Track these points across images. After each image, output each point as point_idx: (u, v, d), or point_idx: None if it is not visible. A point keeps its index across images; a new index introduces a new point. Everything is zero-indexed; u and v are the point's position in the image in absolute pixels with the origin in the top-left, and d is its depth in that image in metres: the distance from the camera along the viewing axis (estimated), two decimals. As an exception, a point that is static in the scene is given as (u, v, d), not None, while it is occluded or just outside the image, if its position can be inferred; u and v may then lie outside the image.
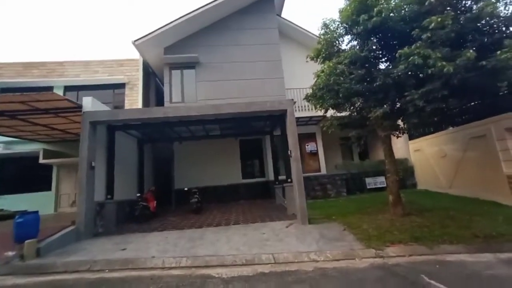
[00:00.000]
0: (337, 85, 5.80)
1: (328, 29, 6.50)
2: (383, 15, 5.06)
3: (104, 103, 8.20)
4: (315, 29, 9.63)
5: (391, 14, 5.29)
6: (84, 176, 6.07)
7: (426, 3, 4.69)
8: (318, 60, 6.79)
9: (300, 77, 10.90)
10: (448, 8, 4.64)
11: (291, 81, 11.27)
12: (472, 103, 7.49)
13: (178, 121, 7.57)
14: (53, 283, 3.76)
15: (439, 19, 4.30)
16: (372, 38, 5.63)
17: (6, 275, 4.05)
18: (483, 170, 7.18)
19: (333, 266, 3.82)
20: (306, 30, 12.30)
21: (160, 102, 11.87)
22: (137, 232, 6.29)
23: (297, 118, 7.01)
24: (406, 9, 5.28)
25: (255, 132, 10.94)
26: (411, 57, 4.47)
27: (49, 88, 9.83)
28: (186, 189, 9.42)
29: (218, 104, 7.29)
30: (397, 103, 5.67)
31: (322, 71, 6.05)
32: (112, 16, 53.22)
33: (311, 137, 11.59)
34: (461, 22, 4.50)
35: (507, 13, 4.55)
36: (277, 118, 7.73)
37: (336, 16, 6.42)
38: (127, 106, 10.38)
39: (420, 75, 5.07)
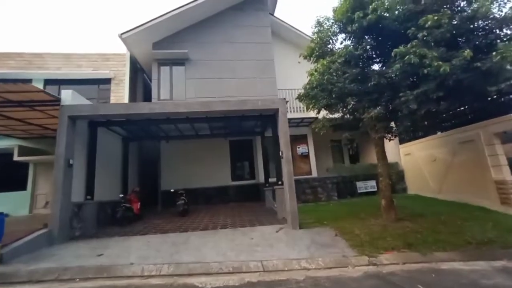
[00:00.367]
0: (331, 84, 5.65)
1: (322, 27, 6.36)
2: (378, 13, 4.95)
3: (89, 98, 7.72)
4: (308, 31, 9.52)
5: (385, 14, 5.20)
6: (61, 174, 5.60)
7: (422, 1, 4.60)
8: (312, 59, 6.64)
9: (292, 78, 10.78)
10: (445, 7, 4.55)
11: (283, 82, 11.07)
12: (462, 108, 7.55)
13: (165, 118, 7.21)
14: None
15: (436, 18, 4.21)
16: (366, 37, 5.51)
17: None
18: (472, 175, 7.19)
19: (325, 275, 3.60)
20: (299, 31, 12.17)
21: (148, 99, 11.39)
22: (117, 236, 5.88)
23: (289, 119, 6.80)
24: (401, 9, 5.19)
25: (245, 132, 10.67)
26: (407, 56, 4.34)
27: (28, 81, 9.20)
28: (172, 190, 9.03)
29: (208, 101, 7.00)
30: (391, 105, 5.55)
31: (316, 70, 5.88)
32: (99, 9, 51.70)
33: (302, 139, 11.41)
34: (456, 22, 4.43)
35: (501, 15, 4.51)
36: (269, 118, 7.50)
37: (330, 15, 6.30)
38: (112, 102, 9.87)
39: (415, 77, 5.00)
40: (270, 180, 9.51)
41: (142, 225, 7.04)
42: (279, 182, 6.86)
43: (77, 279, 3.71)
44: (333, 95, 5.94)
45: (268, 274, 3.74)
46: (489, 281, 3.23)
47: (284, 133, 6.44)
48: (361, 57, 5.70)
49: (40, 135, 8.51)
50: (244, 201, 10.68)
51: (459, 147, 7.64)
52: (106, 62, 10.30)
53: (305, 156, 11.21)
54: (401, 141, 10.85)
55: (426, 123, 7.20)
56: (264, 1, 11.58)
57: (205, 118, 7.44)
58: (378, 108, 5.18)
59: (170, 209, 9.18)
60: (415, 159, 9.91)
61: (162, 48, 10.31)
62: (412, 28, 4.65)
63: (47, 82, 9.83)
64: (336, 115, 7.08)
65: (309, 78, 6.30)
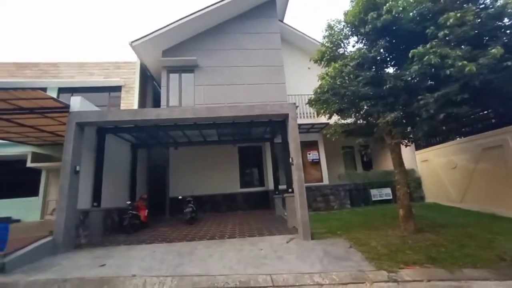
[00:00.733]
0: (343, 88, 5.39)
1: (333, 31, 6.17)
2: (393, 13, 4.70)
3: (99, 106, 7.79)
4: (318, 37, 9.36)
5: (400, 15, 4.95)
6: (67, 181, 5.56)
7: (441, 0, 4.32)
8: (322, 63, 6.44)
9: (301, 84, 10.62)
10: (465, 5, 4.26)
11: (292, 88, 10.89)
12: (485, 111, 7.08)
13: (173, 124, 7.14)
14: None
15: (458, 15, 3.92)
16: (381, 39, 5.26)
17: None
18: (499, 183, 6.66)
19: (341, 293, 3.27)
20: (309, 36, 12.05)
21: (157, 106, 11.44)
22: (122, 245, 5.73)
23: (299, 125, 6.59)
24: (417, 8, 4.92)
25: (254, 139, 10.49)
26: (427, 57, 4.05)
27: (43, 90, 9.43)
28: (180, 197, 8.89)
29: (216, 106, 6.87)
30: (408, 109, 5.22)
31: (327, 73, 5.66)
32: (110, 18, 53.48)
33: (313, 145, 11.11)
34: (482, 19, 4.11)
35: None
36: (278, 124, 7.29)
37: (340, 18, 6.10)
38: (122, 109, 9.97)
39: (433, 79, 4.68)
40: (280, 187, 9.25)
41: (149, 233, 6.89)
42: (289, 190, 6.58)
43: (77, 291, 3.55)
44: (346, 99, 5.68)
45: (277, 290, 3.45)
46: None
47: (294, 139, 6.19)
48: (375, 59, 5.43)
49: (53, 141, 8.64)
50: (253, 208, 10.43)
51: (483, 153, 7.14)
52: (117, 70, 10.47)
53: (316, 163, 10.88)
54: (417, 147, 10.35)
55: (444, 128, 6.79)
56: (273, 8, 11.55)
57: (212, 124, 7.32)
58: (395, 113, 4.87)
59: (178, 216, 9.07)
60: (433, 165, 9.38)
61: (171, 55, 10.40)
62: (431, 27, 4.37)
63: (61, 90, 10.08)
64: (349, 120, 6.79)
65: (320, 82, 6.07)
